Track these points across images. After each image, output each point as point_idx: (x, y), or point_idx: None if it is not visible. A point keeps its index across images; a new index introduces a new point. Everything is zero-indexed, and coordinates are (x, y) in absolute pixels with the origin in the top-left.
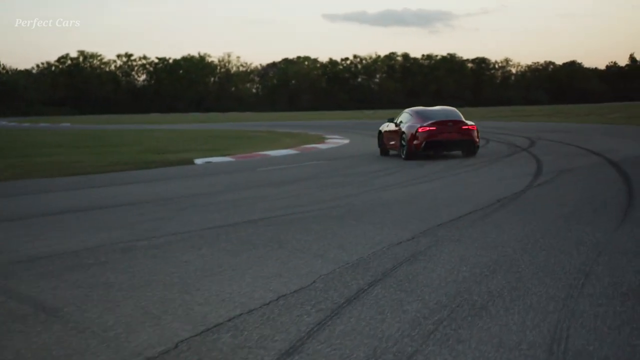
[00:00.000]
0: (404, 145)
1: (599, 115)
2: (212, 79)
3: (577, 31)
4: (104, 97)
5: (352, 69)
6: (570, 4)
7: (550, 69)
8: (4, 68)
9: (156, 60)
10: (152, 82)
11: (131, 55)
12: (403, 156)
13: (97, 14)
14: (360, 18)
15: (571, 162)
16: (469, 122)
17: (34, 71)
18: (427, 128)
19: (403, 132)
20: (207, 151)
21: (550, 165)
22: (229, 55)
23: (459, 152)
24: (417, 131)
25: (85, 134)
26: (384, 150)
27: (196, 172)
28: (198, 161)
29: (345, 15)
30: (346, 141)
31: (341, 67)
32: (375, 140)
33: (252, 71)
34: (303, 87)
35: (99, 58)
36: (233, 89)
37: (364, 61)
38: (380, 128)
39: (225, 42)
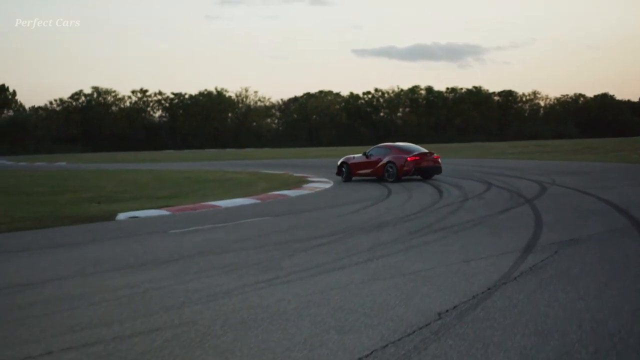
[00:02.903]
0: (390, 171)
1: (630, 152)
2: (230, 114)
3: (608, 63)
4: (118, 134)
5: (374, 102)
6: (600, 36)
7: (580, 102)
8: (21, 105)
9: (172, 96)
10: (168, 118)
11: (146, 91)
12: (391, 179)
13: (112, 49)
14: (389, 53)
15: (582, 226)
16: (436, 154)
17: (47, 108)
18: (414, 158)
19: (390, 162)
20: (156, 199)
21: (552, 232)
22: (246, 90)
23: (449, 202)
24: (406, 160)
25: (49, 177)
26: (349, 177)
27: (95, 234)
28: (122, 216)
29: (374, 50)
30: (327, 186)
31: (363, 101)
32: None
33: (272, 106)
34: (323, 122)
35: (113, 94)
36: (254, 124)
37: (386, 95)
38: (344, 160)
39: (243, 76)
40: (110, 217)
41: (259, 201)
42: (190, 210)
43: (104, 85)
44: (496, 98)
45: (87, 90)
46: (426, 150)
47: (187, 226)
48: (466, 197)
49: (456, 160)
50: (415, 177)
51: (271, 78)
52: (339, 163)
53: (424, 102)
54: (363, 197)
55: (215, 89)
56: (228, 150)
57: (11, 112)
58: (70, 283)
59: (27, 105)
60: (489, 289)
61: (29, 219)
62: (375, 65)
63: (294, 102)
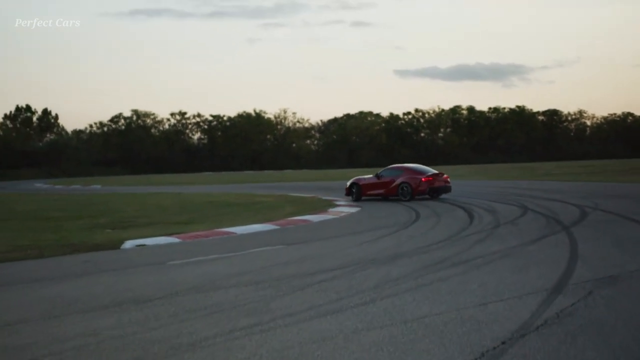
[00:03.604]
0: (404, 191)
1: None
2: (269, 136)
3: None
4: (157, 157)
5: (415, 123)
6: None
7: (628, 121)
8: (63, 129)
9: (210, 118)
10: (207, 140)
11: (185, 113)
12: (405, 199)
13: (152, 72)
14: (432, 73)
15: (623, 260)
16: (445, 174)
17: (87, 131)
18: (428, 178)
19: (404, 182)
20: (173, 224)
21: (587, 267)
22: (285, 112)
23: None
24: (421, 181)
25: (75, 201)
26: (359, 197)
27: (89, 266)
28: (128, 244)
29: (417, 70)
30: (354, 210)
31: (403, 121)
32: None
33: (311, 127)
34: (363, 143)
35: (152, 117)
36: (293, 145)
37: (426, 115)
38: (354, 181)
39: (283, 98)
40: (117, 245)
41: (277, 227)
42: (202, 237)
43: (143, 108)
44: (540, 117)
45: (127, 113)
46: (437, 171)
47: (190, 256)
48: (498, 223)
49: (495, 182)
50: (447, 199)
51: (311, 99)
52: (348, 184)
53: (466, 122)
54: (388, 223)
55: (254, 110)
56: (266, 172)
57: (54, 136)
58: (23, 329)
59: (70, 128)
60: (503, 343)
61: (30, 248)
62: (417, 85)
63: (334, 123)
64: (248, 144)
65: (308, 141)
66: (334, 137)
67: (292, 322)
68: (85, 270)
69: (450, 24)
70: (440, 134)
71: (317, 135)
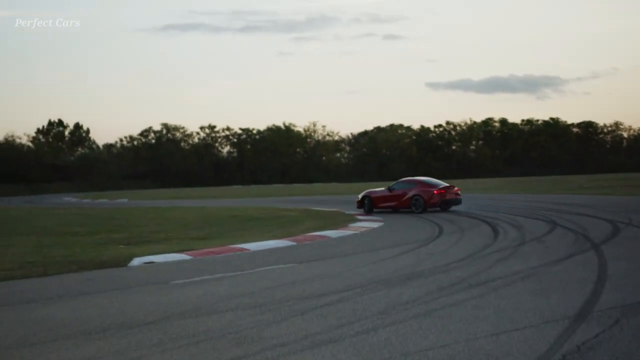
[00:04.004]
0: (417, 203)
1: None
2: (298, 149)
3: None
4: (186, 170)
5: (446, 135)
6: None
7: None
8: (94, 143)
9: (240, 132)
10: (236, 153)
11: (214, 126)
12: (418, 211)
13: (181, 87)
14: (464, 86)
15: None
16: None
17: (117, 145)
18: (440, 191)
19: (416, 195)
20: (189, 240)
21: (616, 291)
22: (314, 125)
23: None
24: (433, 194)
25: (97, 215)
26: (370, 210)
27: (88, 286)
28: (136, 261)
29: (449, 83)
30: (376, 225)
31: (434, 134)
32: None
33: (341, 140)
34: (393, 156)
35: (182, 130)
36: (323, 158)
37: (458, 128)
38: (366, 194)
39: (313, 111)
40: (125, 262)
41: (294, 243)
42: (214, 254)
43: (173, 121)
44: (575, 130)
45: (157, 127)
46: (448, 184)
47: (196, 275)
48: (523, 240)
49: (525, 195)
50: (473, 213)
51: (342, 112)
52: (360, 197)
53: (498, 134)
54: (408, 239)
55: (284, 123)
56: (295, 185)
57: (85, 150)
58: None
59: (101, 142)
60: None
61: (36, 265)
62: (449, 98)
63: (364, 136)
64: (277, 157)
65: (338, 154)
66: (364, 150)
67: (282, 353)
68: (84, 290)
69: (483, 36)
70: (472, 147)
71: (347, 148)
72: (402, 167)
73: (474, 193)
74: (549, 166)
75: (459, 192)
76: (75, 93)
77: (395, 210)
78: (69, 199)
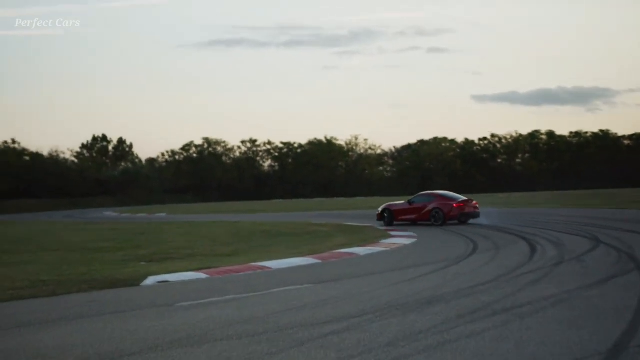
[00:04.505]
0: (436, 216)
1: None
2: (340, 163)
3: None
4: (228, 184)
5: (491, 148)
6: None
7: None
8: (137, 157)
9: (281, 145)
10: (277, 167)
11: (255, 140)
12: (438, 223)
13: (224, 101)
14: (511, 98)
15: None
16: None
17: (159, 159)
18: (459, 205)
19: (436, 208)
20: (213, 257)
21: None
22: (356, 138)
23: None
24: (453, 207)
25: (129, 230)
26: (391, 222)
27: (90, 308)
28: (150, 280)
29: (495, 96)
30: (408, 242)
31: (479, 147)
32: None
33: (384, 154)
34: (437, 169)
35: (223, 145)
36: (366, 171)
37: (503, 140)
38: (386, 207)
39: (356, 125)
40: (138, 280)
41: (318, 261)
42: (232, 272)
43: (214, 136)
44: (626, 142)
45: (198, 141)
46: (467, 198)
47: (205, 296)
48: (562, 259)
49: (571, 210)
50: (512, 229)
51: (385, 126)
52: (380, 210)
53: (545, 147)
54: (439, 257)
55: (325, 137)
56: (337, 199)
57: (128, 165)
58: None
59: (144, 157)
60: None
61: (48, 284)
62: (495, 111)
63: (407, 150)
64: (319, 171)
65: (381, 168)
66: (407, 163)
67: None
68: (83, 313)
69: (531, 48)
70: (518, 160)
71: (390, 161)
72: (445, 181)
73: (518, 208)
74: (598, 179)
75: (478, 205)
76: (119, 108)
77: (414, 223)
78: (110, 213)
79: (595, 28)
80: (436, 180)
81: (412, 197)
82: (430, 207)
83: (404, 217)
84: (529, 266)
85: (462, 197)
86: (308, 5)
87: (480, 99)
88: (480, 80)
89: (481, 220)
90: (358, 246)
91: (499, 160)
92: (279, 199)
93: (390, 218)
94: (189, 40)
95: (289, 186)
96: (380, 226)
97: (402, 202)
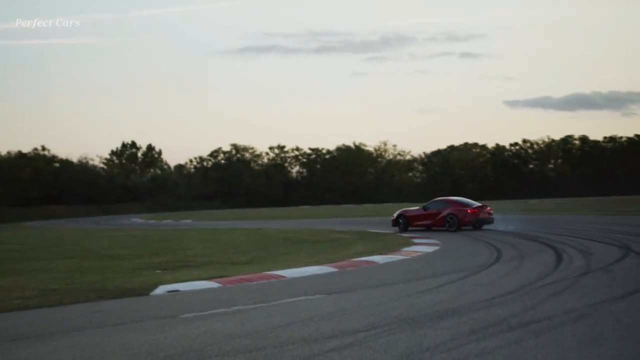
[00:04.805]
0: (450, 222)
1: None
2: (368, 169)
3: None
4: (255, 191)
5: (522, 154)
6: None
7: None
8: (166, 164)
9: (309, 151)
10: (306, 173)
11: (284, 147)
12: (453, 229)
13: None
14: (544, 103)
15: None
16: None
17: (187, 165)
18: (474, 210)
19: (450, 214)
20: (230, 265)
21: None
22: (385, 144)
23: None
24: (467, 213)
25: (150, 237)
26: (405, 228)
27: (91, 319)
28: (160, 289)
29: (528, 101)
30: (430, 249)
31: (510, 153)
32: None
33: (413, 160)
34: (467, 175)
35: (251, 151)
36: (395, 176)
37: (535, 146)
38: (401, 212)
39: (386, 131)
40: (148, 290)
41: (335, 270)
42: (245, 281)
43: (242, 142)
44: None
45: (226, 148)
46: (481, 204)
47: (212, 307)
48: (589, 268)
49: (604, 217)
50: (540, 236)
51: (415, 131)
52: (395, 216)
53: (579, 152)
54: (459, 267)
55: (354, 143)
56: (365, 205)
57: (158, 171)
58: None
59: (173, 163)
60: None
61: (57, 293)
62: (528, 116)
63: (437, 155)
64: (347, 177)
65: (410, 174)
66: (437, 169)
67: None
68: (84, 325)
69: (564, 52)
70: (551, 165)
71: (420, 167)
72: (475, 186)
73: (549, 214)
74: (633, 185)
75: (492, 211)
76: (148, 115)
77: (429, 228)
78: (136, 219)
79: (632, 31)
80: (466, 186)
81: (427, 203)
82: (444, 212)
83: (418, 223)
84: (553, 276)
85: (476, 203)
86: (339, 12)
87: (513, 104)
88: (513, 86)
89: (495, 225)
90: (378, 254)
91: (531, 166)
92: (306, 205)
93: (405, 224)
94: (221, 47)
95: (317, 192)
96: (396, 232)
97: (417, 207)
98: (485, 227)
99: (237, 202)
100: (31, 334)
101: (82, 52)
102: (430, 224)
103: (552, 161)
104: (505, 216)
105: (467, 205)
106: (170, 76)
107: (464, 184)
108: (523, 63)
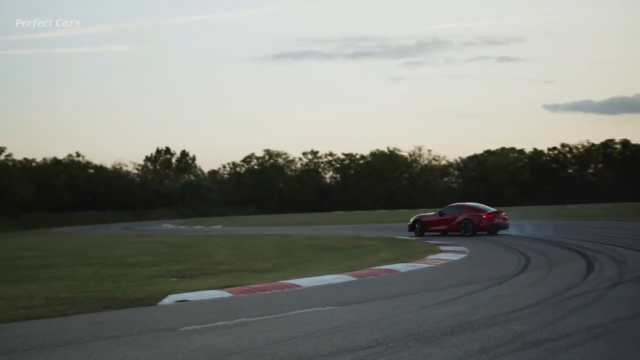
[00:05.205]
0: (466, 227)
1: None
2: (403, 174)
3: None
4: (289, 196)
5: (561, 159)
6: None
7: None
8: (200, 169)
9: (342, 157)
10: (339, 179)
11: (317, 152)
12: (468, 234)
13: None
14: (585, 107)
15: None
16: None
17: (220, 171)
18: (489, 216)
19: (466, 219)
20: (251, 272)
21: None
22: (420, 149)
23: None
24: (482, 218)
25: (175, 244)
26: (422, 233)
27: (98, 330)
28: (169, 299)
29: (568, 105)
30: (456, 257)
31: (548, 157)
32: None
33: (449, 165)
34: (503, 180)
35: (284, 156)
36: (430, 182)
37: (574, 150)
38: (417, 218)
39: (421, 136)
40: (157, 299)
41: (354, 279)
42: (259, 290)
43: (276, 147)
44: None
45: (259, 153)
46: (496, 209)
47: (216, 319)
48: (620, 279)
49: None
50: (573, 244)
51: (451, 136)
52: (411, 221)
53: (620, 157)
54: (484, 276)
55: (388, 148)
56: (399, 211)
57: (192, 177)
58: None
59: (206, 169)
60: None
61: (65, 302)
62: (567, 120)
63: (472, 160)
64: (381, 182)
65: (446, 179)
66: (473, 174)
67: None
68: (79, 338)
69: (605, 55)
70: (591, 170)
71: (455, 172)
72: (512, 192)
73: (587, 220)
74: None
75: (507, 217)
76: (183, 121)
77: (444, 233)
78: (167, 225)
79: None
80: (503, 191)
81: (443, 208)
82: (460, 218)
83: (434, 228)
84: (581, 287)
85: (491, 209)
86: (375, 17)
87: (553, 108)
88: (552, 89)
89: (511, 230)
90: (402, 262)
91: (570, 171)
92: (340, 210)
93: (421, 229)
94: (256, 53)
95: (350, 198)
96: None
97: (433, 213)
98: (500, 232)
99: (270, 208)
100: (21, 348)
101: (117, 59)
102: (446, 229)
103: (592, 166)
104: (533, 222)
105: (482, 210)
106: (205, 82)
107: (500, 188)
108: (563, 66)
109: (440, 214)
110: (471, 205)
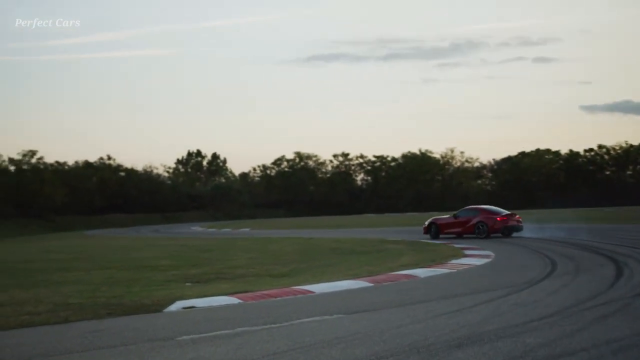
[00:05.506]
0: (480, 229)
1: None
2: (435, 176)
3: None
4: (319, 199)
5: (597, 160)
6: None
7: None
8: (231, 172)
9: (374, 159)
10: (370, 181)
11: (348, 154)
12: (482, 236)
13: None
14: (624, 108)
15: None
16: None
17: (251, 174)
18: (503, 218)
19: (480, 221)
20: (268, 277)
21: None
22: (452, 151)
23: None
24: (496, 220)
25: (198, 247)
26: (436, 235)
27: (93, 340)
28: (176, 305)
29: (606, 105)
30: (480, 262)
31: (584, 159)
32: None
33: (482, 167)
34: (538, 182)
35: (314, 159)
36: (463, 184)
37: (611, 152)
38: (433, 220)
39: (454, 137)
40: (164, 305)
41: (370, 285)
42: (270, 297)
43: (307, 150)
44: None
45: (289, 156)
46: (510, 212)
47: (217, 328)
48: None
49: None
50: (603, 248)
51: (485, 138)
52: (426, 223)
53: None
54: (506, 282)
55: (419, 150)
56: (431, 213)
57: (222, 179)
58: None
59: (237, 171)
60: None
61: (72, 308)
62: (605, 121)
63: (507, 162)
64: (413, 184)
65: (479, 181)
66: (507, 176)
67: None
68: (71, 348)
69: None
70: (629, 172)
71: (489, 174)
72: (547, 193)
73: (624, 223)
74: None
75: (521, 219)
76: (214, 124)
77: (459, 236)
78: (196, 228)
79: None
80: (537, 193)
81: (457, 211)
82: (474, 220)
83: (449, 231)
84: (606, 296)
85: (505, 211)
86: (408, 18)
87: (590, 109)
88: (590, 90)
89: (524, 233)
90: (422, 267)
91: (607, 173)
92: (370, 213)
93: (435, 231)
94: (288, 56)
95: (382, 200)
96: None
97: (448, 216)
98: (514, 234)
99: (301, 211)
100: (9, 358)
101: (149, 62)
102: (461, 231)
103: (631, 167)
104: (560, 225)
105: (496, 213)
106: (237, 85)
107: (534, 191)
108: (601, 67)
109: (455, 216)
110: (485, 207)
